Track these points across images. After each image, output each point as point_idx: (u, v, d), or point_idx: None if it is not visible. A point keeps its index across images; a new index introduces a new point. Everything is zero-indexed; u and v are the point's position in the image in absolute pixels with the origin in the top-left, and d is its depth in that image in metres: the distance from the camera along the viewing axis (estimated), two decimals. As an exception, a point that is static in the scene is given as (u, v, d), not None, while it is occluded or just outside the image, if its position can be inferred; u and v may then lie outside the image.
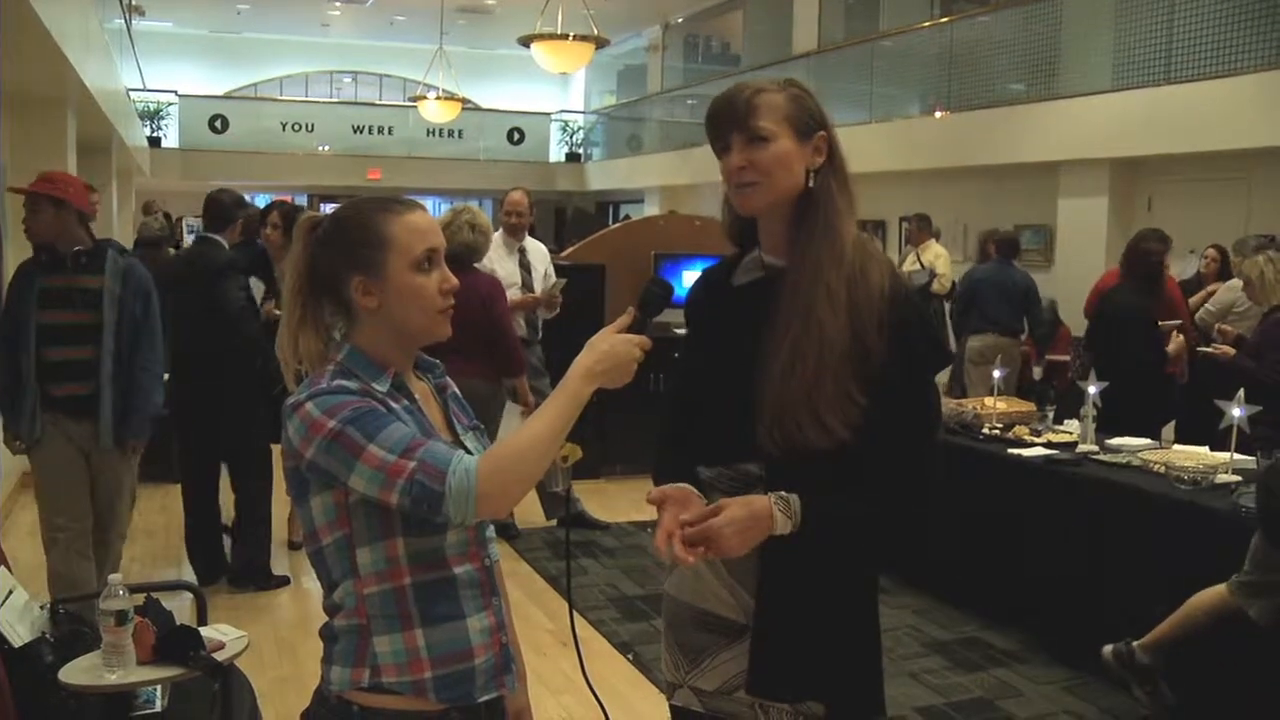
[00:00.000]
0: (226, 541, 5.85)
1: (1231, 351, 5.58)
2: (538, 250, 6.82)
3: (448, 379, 2.01)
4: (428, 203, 22.71)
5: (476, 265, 5.70)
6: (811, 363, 1.86)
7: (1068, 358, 8.93)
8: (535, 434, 1.71)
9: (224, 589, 5.58)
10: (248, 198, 6.41)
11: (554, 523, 6.75)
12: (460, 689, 1.83)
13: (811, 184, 1.95)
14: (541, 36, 12.13)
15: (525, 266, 6.61)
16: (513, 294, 6.33)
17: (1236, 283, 7.22)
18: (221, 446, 5.59)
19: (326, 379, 1.78)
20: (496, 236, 6.66)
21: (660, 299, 1.88)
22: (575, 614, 5.38)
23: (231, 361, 5.27)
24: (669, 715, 2.17)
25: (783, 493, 1.89)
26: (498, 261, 6.40)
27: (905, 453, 1.93)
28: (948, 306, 9.92)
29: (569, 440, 1.77)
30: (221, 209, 5.64)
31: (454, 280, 1.87)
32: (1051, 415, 5.58)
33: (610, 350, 1.76)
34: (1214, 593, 3.87)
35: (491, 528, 2.02)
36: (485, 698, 1.86)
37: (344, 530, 1.78)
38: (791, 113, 1.94)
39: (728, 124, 1.95)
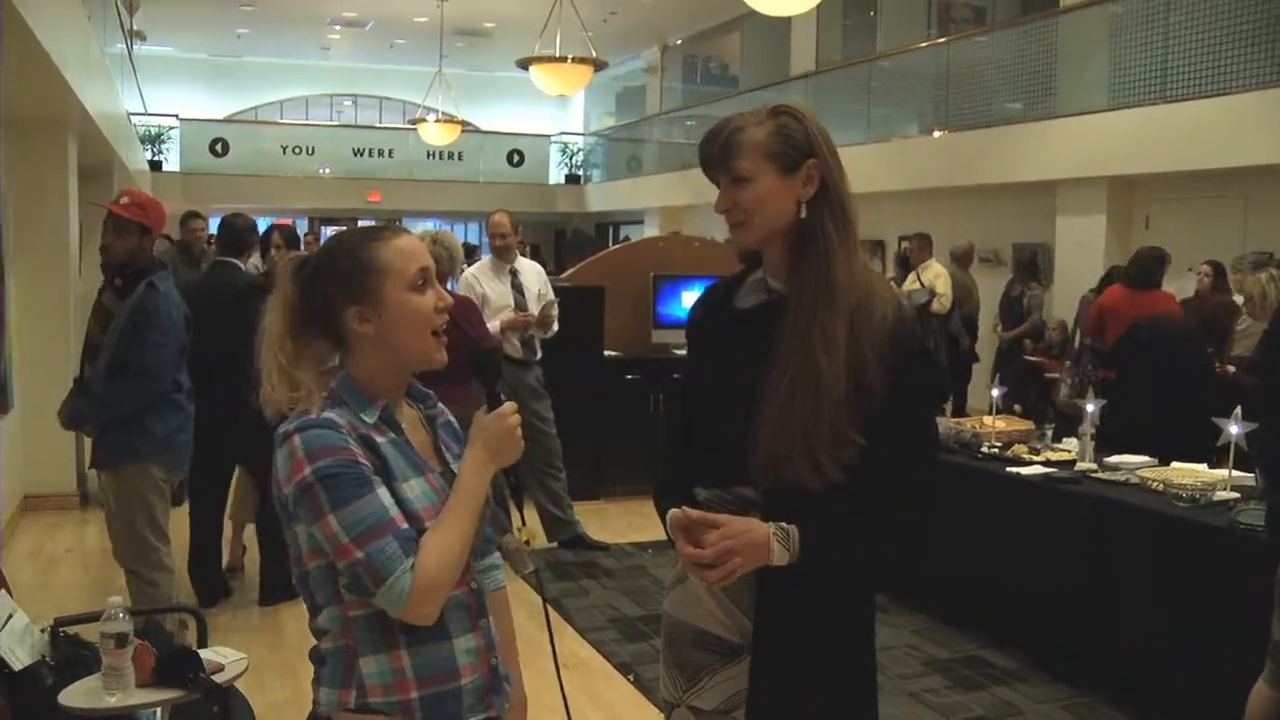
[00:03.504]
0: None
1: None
2: (531, 271, 6.80)
3: (441, 408, 2.04)
4: (428, 225, 22.80)
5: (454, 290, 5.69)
6: (808, 406, 1.87)
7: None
8: (455, 547, 1.79)
9: (225, 611, 5.58)
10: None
11: (555, 545, 6.75)
12: (447, 709, 1.84)
13: (803, 215, 1.95)
14: (540, 59, 12.17)
15: (518, 288, 6.61)
16: (505, 315, 6.35)
17: (1238, 298, 7.25)
18: (237, 465, 5.60)
19: (318, 408, 1.82)
20: (486, 260, 6.67)
21: (491, 365, 1.92)
22: (577, 634, 5.40)
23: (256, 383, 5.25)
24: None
25: (783, 524, 1.90)
26: (488, 284, 6.41)
27: (904, 485, 1.95)
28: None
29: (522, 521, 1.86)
30: (237, 234, 5.77)
31: (449, 298, 1.91)
32: (1050, 433, 5.58)
33: (487, 434, 1.85)
34: (1260, 695, 3.33)
35: (495, 555, 2.04)
36: (474, 719, 1.88)
37: (326, 559, 1.80)
38: (773, 148, 1.93)
39: (711, 164, 1.99)
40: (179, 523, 6.02)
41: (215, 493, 5.76)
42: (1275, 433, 3.48)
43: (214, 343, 5.32)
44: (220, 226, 5.86)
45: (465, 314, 5.58)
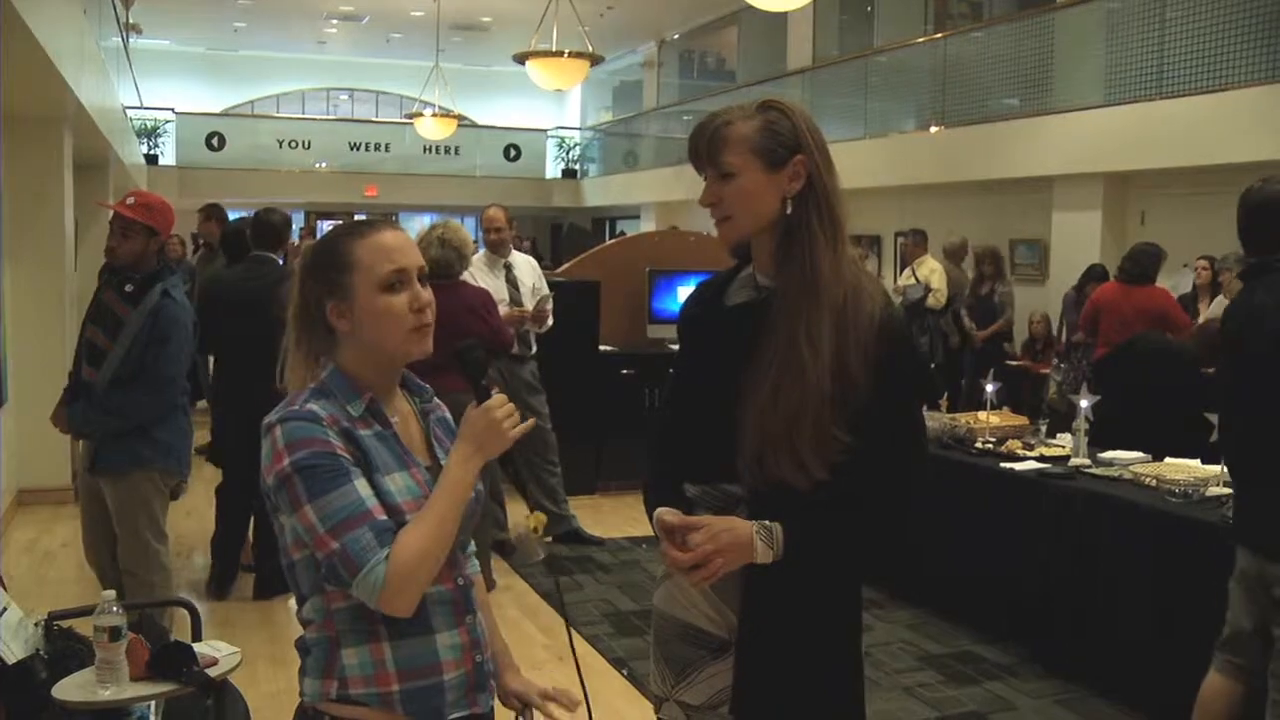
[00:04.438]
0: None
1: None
2: (526, 265, 6.81)
3: (436, 402, 2.04)
4: (425, 219, 22.78)
5: (464, 279, 5.67)
6: (793, 406, 1.87)
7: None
8: (434, 540, 1.78)
9: (219, 604, 5.60)
10: (246, 215, 6.49)
11: (550, 539, 6.76)
12: (429, 704, 1.85)
13: (788, 210, 1.95)
14: (537, 54, 12.17)
15: (513, 282, 6.61)
16: (500, 310, 6.33)
17: (1224, 300, 7.26)
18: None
19: (301, 399, 1.83)
20: (480, 255, 6.65)
21: (478, 360, 1.93)
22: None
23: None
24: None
25: (765, 522, 1.90)
26: (482, 278, 6.39)
27: (890, 482, 1.95)
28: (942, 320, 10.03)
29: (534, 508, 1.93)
30: (274, 229, 5.75)
31: (425, 297, 1.87)
32: (1044, 429, 5.59)
33: (473, 428, 1.84)
34: (1212, 687, 3.44)
35: (472, 545, 2.04)
36: (456, 715, 1.88)
37: (309, 550, 1.81)
38: (760, 143, 1.93)
39: (698, 158, 1.99)
40: (180, 517, 6.06)
41: (246, 485, 5.76)
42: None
43: (250, 338, 5.29)
44: (254, 222, 5.81)
45: (485, 305, 5.60)
